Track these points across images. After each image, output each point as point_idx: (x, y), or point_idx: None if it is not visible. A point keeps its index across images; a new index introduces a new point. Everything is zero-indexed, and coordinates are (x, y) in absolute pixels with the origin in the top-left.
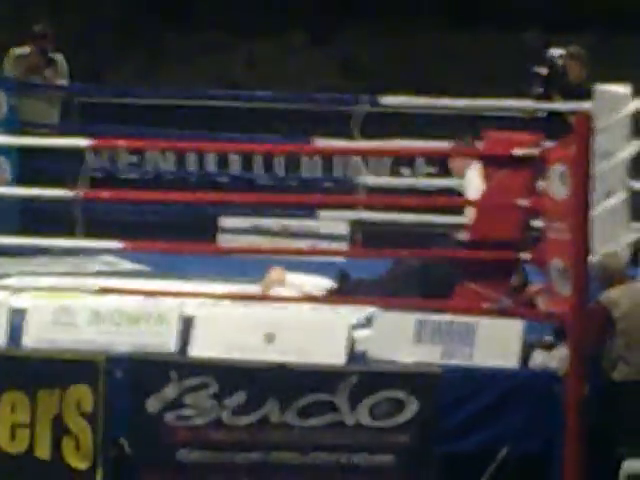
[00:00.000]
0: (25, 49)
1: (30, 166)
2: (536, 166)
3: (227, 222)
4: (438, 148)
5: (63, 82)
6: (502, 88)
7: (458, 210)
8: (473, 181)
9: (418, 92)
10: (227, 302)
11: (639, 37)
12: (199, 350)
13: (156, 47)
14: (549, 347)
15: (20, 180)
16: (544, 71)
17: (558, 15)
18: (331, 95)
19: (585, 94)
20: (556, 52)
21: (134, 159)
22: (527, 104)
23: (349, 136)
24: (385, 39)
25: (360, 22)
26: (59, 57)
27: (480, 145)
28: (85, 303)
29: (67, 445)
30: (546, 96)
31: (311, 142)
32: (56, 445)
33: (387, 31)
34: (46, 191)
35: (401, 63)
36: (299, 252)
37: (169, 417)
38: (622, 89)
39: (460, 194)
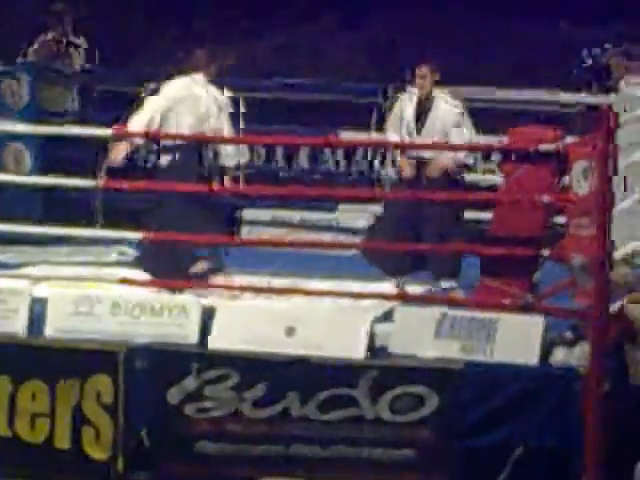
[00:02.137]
0: (49, 35)
1: (51, 155)
2: (559, 162)
3: (248, 214)
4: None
5: (84, 66)
6: (534, 79)
7: (480, 205)
8: None
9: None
10: (248, 295)
11: None
12: (220, 342)
13: (186, 33)
14: (570, 344)
15: (41, 168)
16: (588, 63)
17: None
18: (357, 86)
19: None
20: (598, 49)
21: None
22: (557, 97)
23: (377, 128)
24: (416, 23)
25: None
26: (79, 41)
27: (504, 139)
28: (106, 293)
29: (87, 435)
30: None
31: (335, 134)
32: (76, 435)
33: (418, 16)
34: (66, 180)
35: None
36: (320, 245)
37: (189, 409)
38: None
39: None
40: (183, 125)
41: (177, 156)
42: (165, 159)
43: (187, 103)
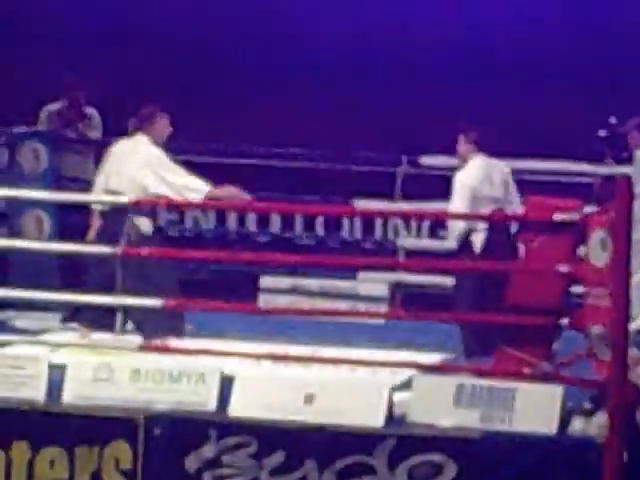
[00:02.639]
0: (57, 104)
1: (68, 221)
2: (577, 232)
3: (267, 282)
4: (477, 212)
5: (97, 135)
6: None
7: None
8: (459, 193)
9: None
10: (267, 362)
11: None
12: (239, 410)
13: (187, 104)
14: (588, 414)
15: (59, 236)
16: (603, 134)
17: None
18: (372, 155)
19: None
20: (613, 119)
21: (174, 216)
22: (571, 167)
23: (390, 197)
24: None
25: None
26: (92, 111)
27: (522, 209)
28: (125, 360)
29: None
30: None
31: (352, 203)
32: None
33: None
34: (85, 247)
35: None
36: (339, 313)
37: (207, 476)
38: None
39: None
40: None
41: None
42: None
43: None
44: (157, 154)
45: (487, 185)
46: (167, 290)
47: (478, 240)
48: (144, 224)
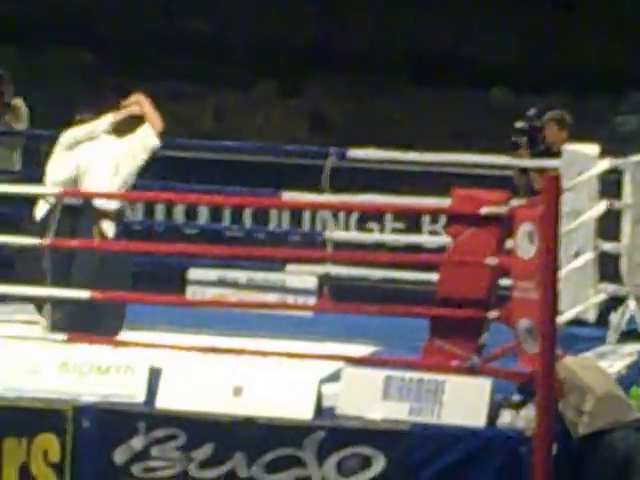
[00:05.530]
0: None
1: None
2: (504, 224)
3: (195, 274)
4: (406, 204)
5: (23, 127)
6: (469, 145)
7: (425, 267)
8: None
9: (386, 147)
10: (196, 354)
11: (605, 98)
12: (167, 402)
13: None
14: (517, 406)
15: None
16: (521, 125)
17: (526, 75)
18: (300, 147)
19: (554, 155)
20: (532, 111)
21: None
22: (495, 160)
23: (318, 189)
24: (353, 93)
25: (327, 75)
26: (18, 101)
27: (448, 202)
28: (53, 352)
29: None
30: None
31: (280, 195)
32: None
33: (355, 85)
34: (12, 239)
35: (369, 118)
36: (267, 306)
37: (136, 468)
38: (590, 149)
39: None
40: None
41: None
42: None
43: None
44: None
45: None
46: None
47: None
48: (110, 230)
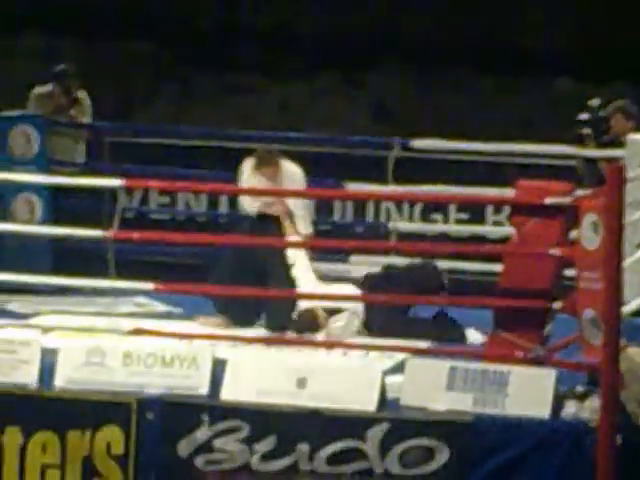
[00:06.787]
0: (47, 87)
1: (60, 205)
2: (568, 215)
3: None
4: (470, 195)
5: (87, 120)
6: (533, 134)
7: (489, 257)
8: None
9: (449, 138)
10: (259, 346)
11: None
12: (231, 394)
13: (188, 87)
14: (581, 397)
15: (51, 219)
16: (585, 117)
17: (589, 64)
18: (363, 138)
19: (621, 145)
20: (595, 102)
21: (166, 200)
22: (560, 149)
23: (382, 180)
24: (416, 83)
25: (390, 66)
26: (83, 95)
27: (512, 192)
28: (117, 344)
29: None
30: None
31: (343, 186)
32: None
33: (418, 75)
34: (77, 231)
35: (432, 109)
36: (331, 297)
37: (199, 461)
38: None
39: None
40: None
41: None
42: None
43: None
44: None
45: None
46: None
47: None
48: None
